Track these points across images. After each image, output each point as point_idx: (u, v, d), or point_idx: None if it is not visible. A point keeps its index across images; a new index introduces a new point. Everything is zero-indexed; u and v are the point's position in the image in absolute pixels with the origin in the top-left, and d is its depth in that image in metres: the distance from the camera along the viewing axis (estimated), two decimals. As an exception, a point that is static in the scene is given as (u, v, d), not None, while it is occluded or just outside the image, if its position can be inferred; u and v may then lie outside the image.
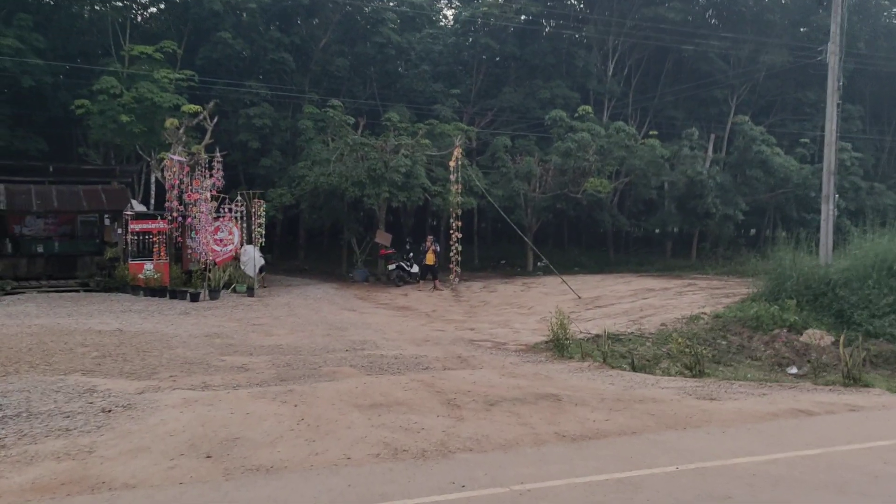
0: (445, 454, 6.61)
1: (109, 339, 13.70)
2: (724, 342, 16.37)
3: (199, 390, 9.45)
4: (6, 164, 23.45)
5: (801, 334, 15.48)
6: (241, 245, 23.29)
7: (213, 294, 20.65)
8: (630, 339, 15.57)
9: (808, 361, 14.21)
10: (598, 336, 15.73)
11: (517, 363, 12.06)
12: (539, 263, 31.60)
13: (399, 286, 26.31)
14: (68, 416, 7.88)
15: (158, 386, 9.73)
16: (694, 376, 10.98)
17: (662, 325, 17.15)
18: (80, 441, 6.90)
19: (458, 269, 25.88)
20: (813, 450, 6.53)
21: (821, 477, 6.01)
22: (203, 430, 7.23)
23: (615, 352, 13.39)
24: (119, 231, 22.76)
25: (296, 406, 8.39)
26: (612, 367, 11.60)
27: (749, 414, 7.98)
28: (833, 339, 14.95)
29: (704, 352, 11.09)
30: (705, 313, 17.71)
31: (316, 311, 19.11)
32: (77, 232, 25.03)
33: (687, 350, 11.18)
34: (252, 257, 23.17)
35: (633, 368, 11.45)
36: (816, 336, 15.17)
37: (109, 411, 8.16)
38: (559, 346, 12.86)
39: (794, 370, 13.56)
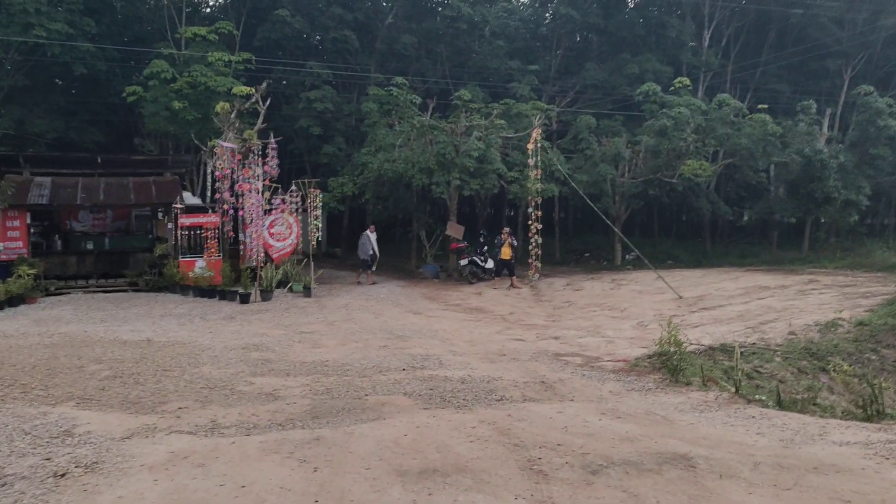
0: None
1: (131, 353, 11.79)
2: (874, 357, 13.13)
3: (202, 435, 7.18)
4: (54, 156, 22.11)
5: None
6: (298, 240, 21.26)
7: (265, 294, 18.66)
8: (755, 354, 12.58)
9: None
10: (711, 348, 12.80)
11: (619, 392, 9.31)
12: (628, 256, 28.44)
13: (472, 283, 23.75)
14: (3, 485, 5.69)
15: (155, 425, 7.53)
16: (867, 418, 7.98)
17: (791, 333, 14.02)
18: (-22, 544, 4.64)
19: (538, 264, 22.93)
20: None
21: None
22: (164, 525, 4.86)
23: (743, 373, 10.47)
24: (169, 226, 21.09)
25: (315, 471, 5.95)
26: (749, 401, 8.70)
27: None
28: None
29: (885, 385, 8.00)
30: (843, 319, 14.49)
31: (376, 315, 16.77)
32: (131, 227, 23.64)
33: (856, 381, 8.15)
34: (371, 243, 23.61)
35: (780, 405, 8.51)
36: None
37: (63, 476, 5.93)
38: (671, 367, 10.01)
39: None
